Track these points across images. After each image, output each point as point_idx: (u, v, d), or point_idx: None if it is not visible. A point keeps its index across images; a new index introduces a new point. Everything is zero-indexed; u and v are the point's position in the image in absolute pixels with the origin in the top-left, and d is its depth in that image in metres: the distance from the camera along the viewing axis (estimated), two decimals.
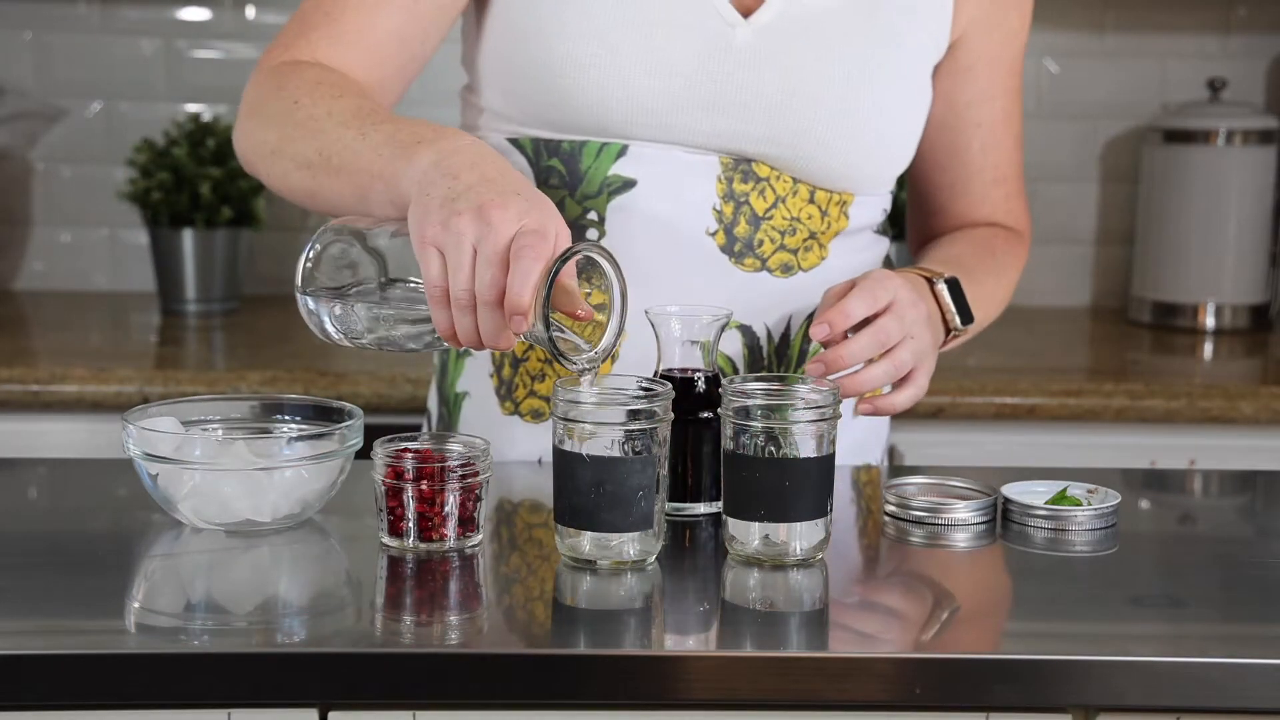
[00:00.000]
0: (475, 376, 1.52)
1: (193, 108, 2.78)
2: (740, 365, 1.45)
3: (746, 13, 1.41)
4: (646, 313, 1.30)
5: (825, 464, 1.19)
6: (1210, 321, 2.70)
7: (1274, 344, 2.64)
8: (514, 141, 1.45)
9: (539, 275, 1.11)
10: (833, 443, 1.19)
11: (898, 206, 1.68)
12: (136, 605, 1.11)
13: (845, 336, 1.30)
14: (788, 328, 1.47)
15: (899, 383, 1.35)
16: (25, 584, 1.14)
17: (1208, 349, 2.61)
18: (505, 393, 1.49)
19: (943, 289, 1.41)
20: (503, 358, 1.49)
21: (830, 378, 1.27)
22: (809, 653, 1.05)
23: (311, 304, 1.25)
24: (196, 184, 2.57)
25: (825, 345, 1.30)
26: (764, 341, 1.46)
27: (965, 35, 1.52)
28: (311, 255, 1.25)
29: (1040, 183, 2.83)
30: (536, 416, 1.48)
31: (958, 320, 1.41)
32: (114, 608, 1.11)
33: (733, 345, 1.45)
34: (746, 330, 1.45)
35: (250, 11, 2.79)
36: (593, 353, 1.18)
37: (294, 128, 1.31)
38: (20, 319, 2.64)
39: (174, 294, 2.62)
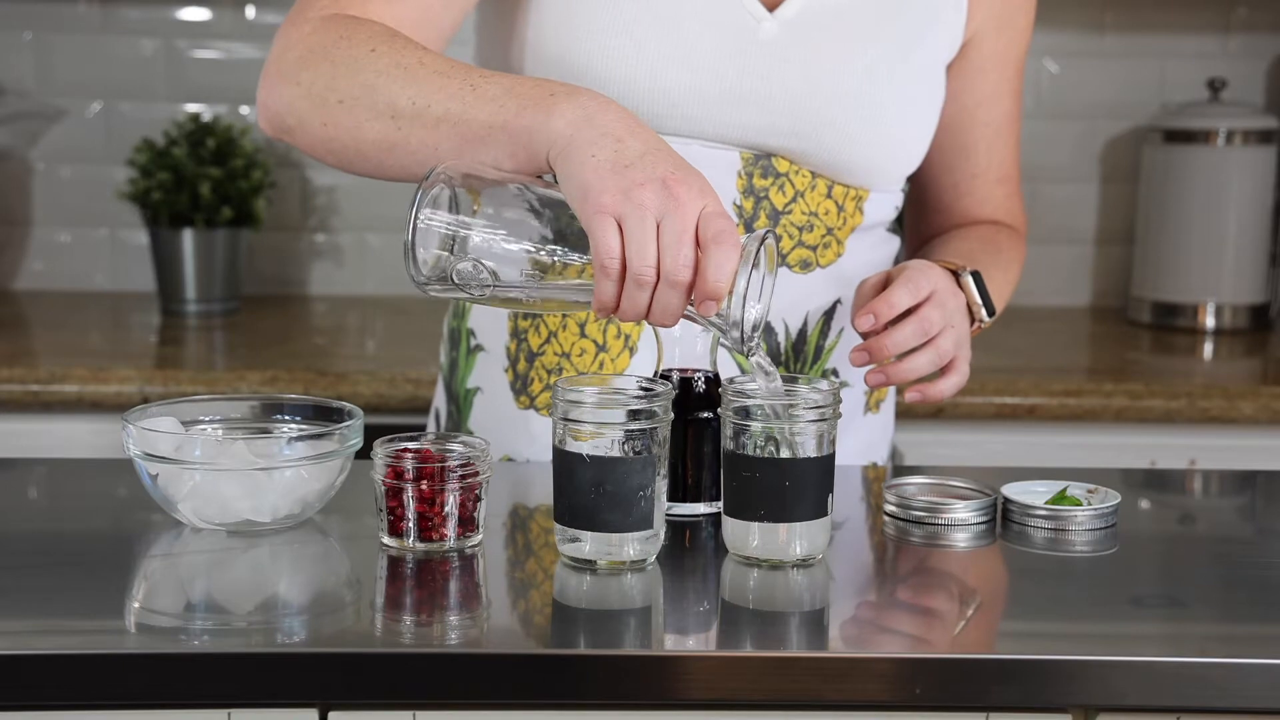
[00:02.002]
0: (487, 372, 1.51)
1: (193, 108, 2.78)
2: None
3: (771, 7, 1.42)
4: None
5: (825, 464, 1.19)
6: (1210, 321, 2.70)
7: (1274, 344, 2.64)
8: None
9: (736, 262, 1.10)
10: (833, 443, 1.19)
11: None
12: (136, 605, 1.11)
13: (885, 327, 1.32)
14: (804, 324, 1.47)
15: (942, 371, 1.37)
16: (25, 584, 1.14)
17: (1208, 349, 2.61)
18: (520, 387, 1.49)
19: (969, 281, 1.42)
20: (518, 353, 1.48)
21: (871, 367, 1.29)
22: (809, 653, 1.05)
23: (435, 250, 1.15)
24: (196, 184, 2.57)
25: (865, 336, 1.32)
26: (781, 338, 1.46)
27: (977, 35, 1.52)
28: (429, 203, 1.15)
29: (1040, 183, 2.83)
30: None
31: (984, 312, 1.42)
32: (114, 608, 1.10)
33: None
34: (764, 327, 1.45)
35: (250, 11, 2.79)
36: (750, 332, 1.16)
37: (376, 75, 1.25)
38: (20, 319, 2.64)
39: (174, 294, 2.62)
